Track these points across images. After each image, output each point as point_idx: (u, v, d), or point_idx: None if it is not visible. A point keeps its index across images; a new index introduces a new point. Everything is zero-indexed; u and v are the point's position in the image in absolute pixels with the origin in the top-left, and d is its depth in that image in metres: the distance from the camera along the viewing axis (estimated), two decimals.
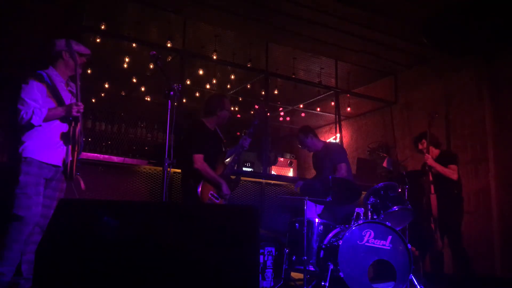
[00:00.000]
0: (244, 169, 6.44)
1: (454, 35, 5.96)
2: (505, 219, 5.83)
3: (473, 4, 5.44)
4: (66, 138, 3.52)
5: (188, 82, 7.34)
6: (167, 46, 6.22)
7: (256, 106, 8.29)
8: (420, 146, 5.50)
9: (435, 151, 5.41)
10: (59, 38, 3.70)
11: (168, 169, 3.38)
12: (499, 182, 5.94)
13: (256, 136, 4.74)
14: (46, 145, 3.44)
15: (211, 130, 4.47)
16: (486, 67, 6.26)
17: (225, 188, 4.22)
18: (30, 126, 3.37)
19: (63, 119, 3.52)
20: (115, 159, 4.91)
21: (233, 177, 4.52)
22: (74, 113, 3.49)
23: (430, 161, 5.22)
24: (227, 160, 4.48)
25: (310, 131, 5.49)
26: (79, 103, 3.51)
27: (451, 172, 5.21)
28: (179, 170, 5.11)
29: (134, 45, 6.43)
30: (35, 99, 3.40)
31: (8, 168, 3.52)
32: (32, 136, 3.41)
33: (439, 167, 5.21)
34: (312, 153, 5.64)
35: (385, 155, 7.07)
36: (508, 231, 5.78)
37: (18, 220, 3.23)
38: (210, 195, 4.20)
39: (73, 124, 3.52)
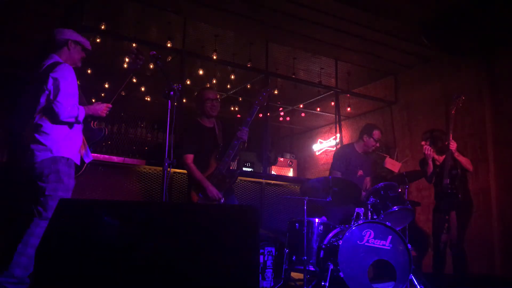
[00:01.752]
0: (244, 169, 6.44)
1: (454, 35, 5.96)
2: (505, 219, 5.83)
3: (473, 4, 5.44)
4: (88, 136, 3.50)
5: (188, 82, 7.34)
6: (167, 46, 6.22)
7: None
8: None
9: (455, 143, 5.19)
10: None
11: (168, 169, 3.37)
12: (499, 182, 5.94)
13: (256, 133, 4.65)
14: (77, 144, 3.37)
15: (206, 127, 4.36)
16: (486, 67, 6.26)
17: (210, 191, 4.05)
18: (72, 123, 3.26)
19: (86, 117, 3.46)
20: (115, 159, 4.92)
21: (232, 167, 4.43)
22: (104, 115, 3.46)
23: (454, 148, 4.91)
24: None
25: None
26: (109, 104, 3.49)
27: (470, 162, 5.05)
28: (179, 170, 5.11)
29: (134, 45, 6.42)
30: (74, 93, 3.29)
31: (8, 168, 3.45)
32: (62, 133, 3.26)
33: (462, 158, 5.00)
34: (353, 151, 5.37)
35: (385, 155, 7.07)
36: (508, 231, 5.78)
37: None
38: (199, 196, 4.14)
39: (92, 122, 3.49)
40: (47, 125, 3.21)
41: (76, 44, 3.49)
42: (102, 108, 3.44)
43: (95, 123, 3.60)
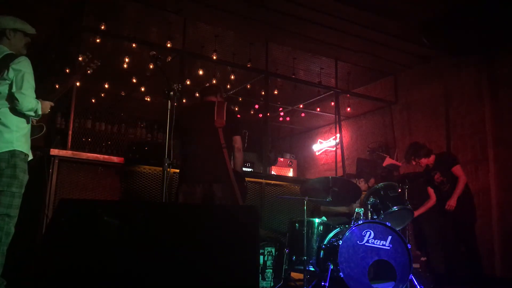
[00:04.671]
0: (244, 169, 6.44)
1: (454, 36, 5.96)
2: (505, 219, 5.83)
3: (473, 4, 5.44)
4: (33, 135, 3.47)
5: (188, 82, 7.33)
6: (167, 46, 6.21)
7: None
8: (413, 162, 5.58)
9: (430, 159, 5.48)
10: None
11: (168, 169, 3.37)
12: (499, 182, 5.94)
13: (256, 133, 4.65)
14: (29, 140, 3.31)
15: None
16: (486, 67, 6.26)
17: None
18: (30, 117, 3.22)
19: None
20: (115, 159, 4.91)
21: None
22: (47, 112, 3.37)
23: (453, 202, 5.20)
24: None
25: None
26: (52, 103, 3.40)
27: (463, 181, 5.26)
28: (178, 170, 5.11)
29: (134, 45, 6.42)
30: None
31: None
32: (22, 127, 3.21)
33: (456, 193, 5.22)
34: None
35: (385, 155, 7.07)
36: (508, 231, 5.79)
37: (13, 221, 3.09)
38: None
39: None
40: (8, 117, 3.12)
41: (16, 32, 3.33)
42: (48, 106, 3.36)
43: (35, 120, 3.50)
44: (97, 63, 3.62)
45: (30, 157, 3.32)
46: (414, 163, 5.52)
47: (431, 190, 5.56)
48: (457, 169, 5.30)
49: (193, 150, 4.10)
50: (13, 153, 3.10)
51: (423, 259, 5.10)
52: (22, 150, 3.15)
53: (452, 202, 5.17)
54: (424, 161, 5.45)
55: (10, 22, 3.31)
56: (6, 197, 3.04)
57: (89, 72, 3.65)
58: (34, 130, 3.44)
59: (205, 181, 3.98)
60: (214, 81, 7.52)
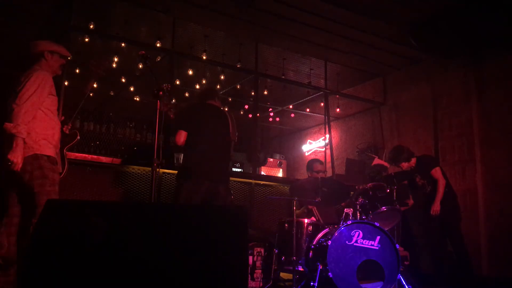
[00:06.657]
0: (234, 169, 6.43)
1: (442, 37, 6.01)
2: (492, 219, 5.89)
3: (461, 7, 5.50)
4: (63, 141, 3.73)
5: (178, 82, 7.31)
6: (156, 46, 6.19)
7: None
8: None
9: (411, 163, 5.51)
10: (47, 37, 3.69)
11: (157, 169, 3.36)
12: (486, 182, 6.00)
13: (246, 133, 4.72)
14: (55, 146, 3.50)
15: None
16: (474, 69, 6.32)
17: None
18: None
19: None
20: (104, 159, 4.88)
21: None
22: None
23: (436, 206, 5.22)
24: None
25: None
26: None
27: (442, 184, 5.26)
28: (168, 171, 5.11)
29: (123, 44, 6.38)
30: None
31: None
32: (41, 134, 3.39)
33: (438, 198, 5.24)
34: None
35: (374, 155, 7.11)
36: (494, 231, 5.85)
37: None
38: None
39: None
40: (32, 125, 3.26)
41: (53, 54, 3.55)
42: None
43: (68, 128, 3.78)
44: (103, 65, 3.80)
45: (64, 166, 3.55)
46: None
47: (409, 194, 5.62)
48: (435, 172, 5.32)
49: (203, 149, 4.18)
50: (35, 157, 3.23)
51: (406, 263, 5.13)
52: (44, 153, 3.28)
53: (435, 207, 5.21)
54: (404, 165, 5.49)
55: (48, 45, 3.56)
56: (43, 196, 3.14)
57: (103, 73, 3.88)
58: (67, 139, 3.71)
59: (212, 180, 4.11)
60: (203, 81, 7.52)
